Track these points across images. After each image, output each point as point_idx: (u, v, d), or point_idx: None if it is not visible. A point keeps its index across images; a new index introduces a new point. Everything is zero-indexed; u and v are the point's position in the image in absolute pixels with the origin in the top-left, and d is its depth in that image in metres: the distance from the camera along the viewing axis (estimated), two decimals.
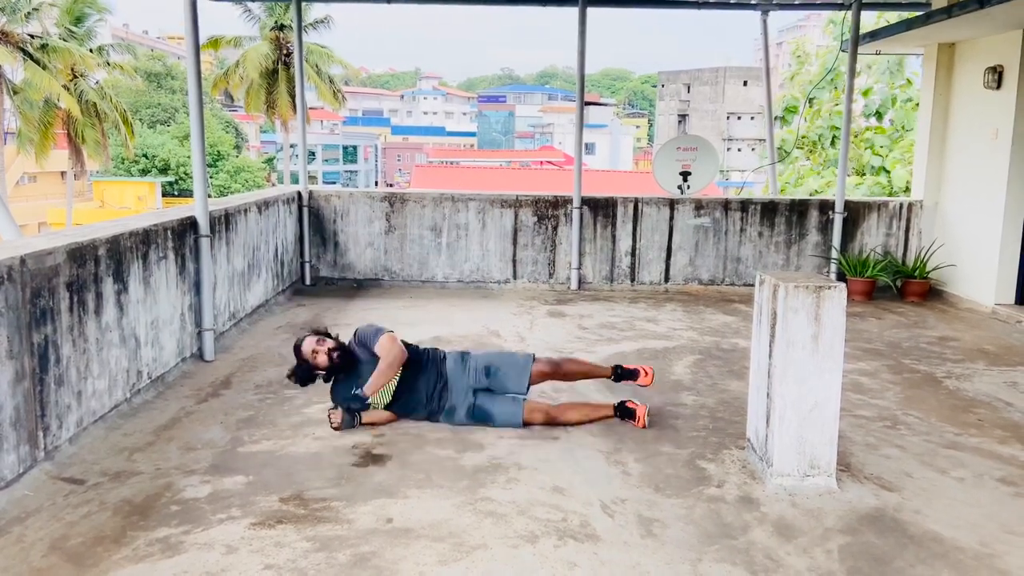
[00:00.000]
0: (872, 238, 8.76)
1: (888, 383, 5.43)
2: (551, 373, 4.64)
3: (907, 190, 12.95)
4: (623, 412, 4.53)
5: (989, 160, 7.83)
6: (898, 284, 8.47)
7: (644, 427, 4.44)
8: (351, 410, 4.36)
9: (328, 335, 4.51)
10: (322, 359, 4.38)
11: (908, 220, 8.77)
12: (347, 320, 6.88)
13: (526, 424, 4.40)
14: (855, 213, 8.71)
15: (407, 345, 4.55)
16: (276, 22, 33.28)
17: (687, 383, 5.35)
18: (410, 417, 4.48)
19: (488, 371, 4.51)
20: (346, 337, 4.59)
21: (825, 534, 3.30)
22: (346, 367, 4.43)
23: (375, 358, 4.39)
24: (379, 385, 4.35)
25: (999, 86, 7.68)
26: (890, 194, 14.38)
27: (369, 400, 4.38)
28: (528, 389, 4.52)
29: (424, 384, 4.46)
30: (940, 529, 3.37)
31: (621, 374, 4.73)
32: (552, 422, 4.44)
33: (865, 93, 15.87)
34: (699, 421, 4.62)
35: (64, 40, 29.80)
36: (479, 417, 4.43)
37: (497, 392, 4.50)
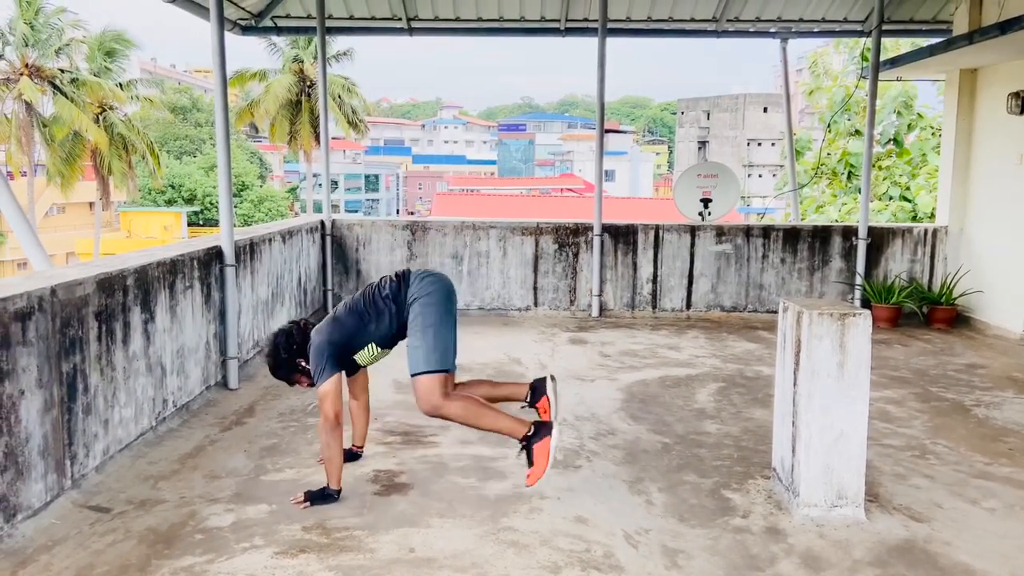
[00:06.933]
0: (897, 264, 8.69)
1: (916, 411, 5.36)
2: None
3: (932, 216, 12.84)
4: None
5: (1014, 185, 7.76)
6: (924, 311, 8.37)
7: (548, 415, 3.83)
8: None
9: (278, 356, 3.92)
10: (306, 383, 3.99)
11: (933, 246, 8.69)
12: None
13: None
14: (879, 239, 8.64)
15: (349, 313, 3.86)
16: (297, 56, 33.91)
17: (710, 411, 5.31)
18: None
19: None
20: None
21: (854, 566, 3.25)
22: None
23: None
24: (333, 473, 3.78)
25: (1023, 111, 7.63)
26: (915, 219, 14.26)
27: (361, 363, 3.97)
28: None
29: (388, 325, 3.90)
30: (971, 561, 3.30)
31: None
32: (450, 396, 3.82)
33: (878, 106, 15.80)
34: (723, 450, 4.58)
35: (96, 75, 30.57)
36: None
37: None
